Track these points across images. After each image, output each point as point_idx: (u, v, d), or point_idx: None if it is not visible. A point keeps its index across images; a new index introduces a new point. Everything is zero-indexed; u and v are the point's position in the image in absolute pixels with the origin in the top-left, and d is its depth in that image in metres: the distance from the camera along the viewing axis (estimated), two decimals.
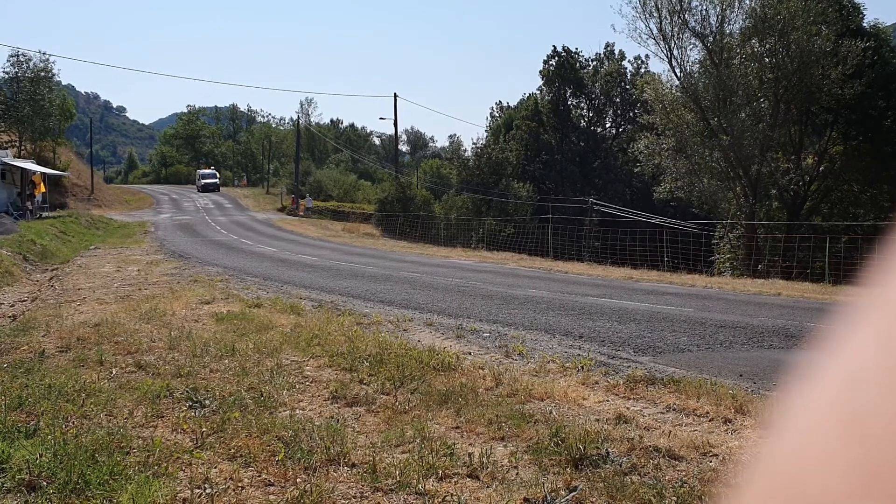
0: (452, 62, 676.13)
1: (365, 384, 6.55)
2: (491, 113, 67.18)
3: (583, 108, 57.72)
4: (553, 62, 55.89)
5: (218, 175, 79.17)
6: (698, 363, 7.84)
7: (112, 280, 15.05)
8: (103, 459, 4.49)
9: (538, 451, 4.81)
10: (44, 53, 51.40)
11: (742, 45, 30.05)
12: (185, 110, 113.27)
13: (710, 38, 30.18)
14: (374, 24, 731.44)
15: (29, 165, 35.63)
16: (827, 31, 28.14)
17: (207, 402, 5.89)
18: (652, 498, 4.08)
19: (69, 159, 56.50)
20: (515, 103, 63.67)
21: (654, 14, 30.83)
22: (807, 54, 28.01)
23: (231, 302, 11.70)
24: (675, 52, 31.11)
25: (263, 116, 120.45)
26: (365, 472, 4.43)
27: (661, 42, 31.18)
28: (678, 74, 31.58)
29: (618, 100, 56.81)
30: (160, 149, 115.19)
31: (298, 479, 4.35)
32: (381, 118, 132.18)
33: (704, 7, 30.17)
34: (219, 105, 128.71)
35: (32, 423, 5.26)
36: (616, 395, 6.40)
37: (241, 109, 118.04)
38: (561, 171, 52.13)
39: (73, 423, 5.31)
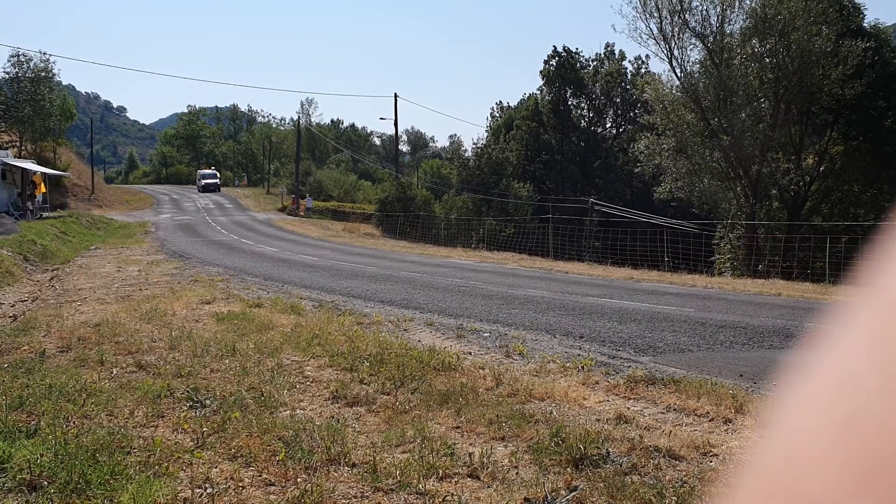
0: (453, 62, 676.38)
1: (365, 384, 6.56)
2: (491, 113, 67.22)
3: (583, 108, 57.72)
4: (553, 62, 55.88)
5: (218, 175, 79.16)
6: (699, 363, 7.84)
7: (113, 280, 15.06)
8: (104, 459, 4.50)
9: (539, 451, 4.81)
10: (44, 53, 51.46)
11: (742, 45, 30.03)
12: (186, 110, 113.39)
13: (711, 39, 30.17)
14: (374, 25, 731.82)
15: (29, 165, 35.64)
16: (827, 32, 28.13)
17: (208, 401, 5.90)
18: (652, 498, 4.08)
19: (69, 159, 56.51)
20: (516, 103, 63.72)
21: (655, 14, 30.84)
22: (807, 54, 28.01)
23: (232, 302, 11.70)
24: (676, 52, 31.12)
25: (264, 117, 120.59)
26: (365, 472, 4.44)
27: (662, 42, 31.19)
28: (678, 74, 31.60)
29: (618, 100, 56.79)
30: (161, 149, 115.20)
31: (299, 479, 4.35)
32: (381, 118, 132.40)
33: (705, 7, 30.19)
34: (219, 105, 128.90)
35: (33, 422, 5.26)
36: (616, 395, 6.40)
37: (242, 110, 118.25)
38: (561, 171, 52.12)
39: (74, 422, 5.31)
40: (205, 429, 5.15)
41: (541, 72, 56.27)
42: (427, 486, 4.24)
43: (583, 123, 57.24)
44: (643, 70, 54.44)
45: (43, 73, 47.25)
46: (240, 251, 24.24)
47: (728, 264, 29.45)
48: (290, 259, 21.47)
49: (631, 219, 31.82)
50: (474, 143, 55.88)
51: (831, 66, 28.03)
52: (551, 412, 5.77)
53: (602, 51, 58.38)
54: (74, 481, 4.15)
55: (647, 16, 31.02)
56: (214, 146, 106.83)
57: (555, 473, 4.50)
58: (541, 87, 57.05)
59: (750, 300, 13.75)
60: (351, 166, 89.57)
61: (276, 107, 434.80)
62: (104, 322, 9.47)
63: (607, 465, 4.59)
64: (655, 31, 31.08)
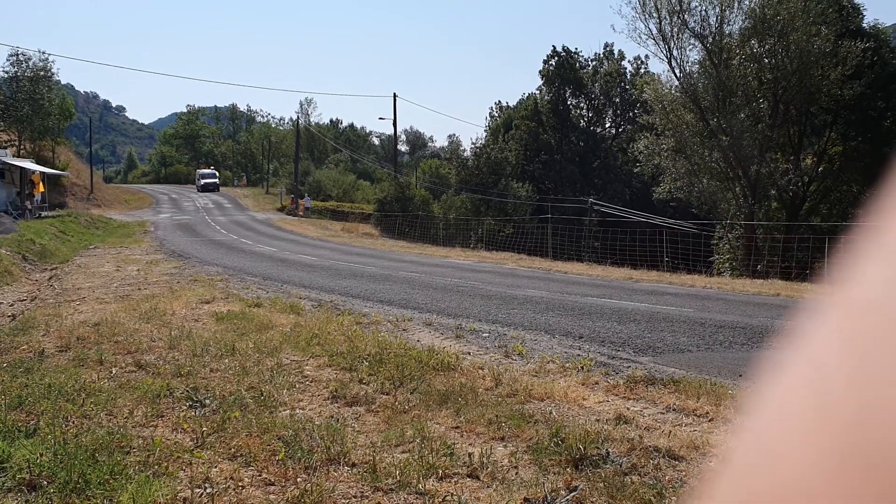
0: (452, 62, 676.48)
1: (365, 384, 6.55)
2: (490, 113, 67.21)
3: (582, 108, 57.76)
4: (553, 62, 55.91)
5: (217, 175, 79.15)
6: (698, 363, 7.85)
7: (112, 279, 15.05)
8: (103, 459, 4.50)
9: (538, 452, 4.81)
10: (43, 53, 51.43)
11: (741, 45, 30.05)
12: (185, 110, 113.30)
13: (710, 39, 30.20)
14: (373, 25, 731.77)
15: (28, 165, 35.62)
16: (826, 32, 28.16)
17: (207, 401, 5.89)
18: (652, 498, 4.08)
19: (68, 159, 56.49)
20: (515, 103, 63.74)
21: (654, 14, 30.85)
22: (806, 55, 28.03)
23: (231, 301, 11.70)
24: (675, 52, 31.15)
25: (263, 116, 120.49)
26: (365, 472, 4.44)
27: (661, 42, 31.22)
28: (678, 75, 31.62)
29: (617, 100, 56.84)
30: (160, 148, 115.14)
31: (299, 479, 4.35)
32: (380, 118, 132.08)
33: (704, 8, 30.21)
34: (218, 105, 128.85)
35: (32, 422, 5.26)
36: (616, 395, 6.40)
37: (241, 109, 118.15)
38: (560, 171, 52.14)
39: (73, 422, 5.31)
40: (204, 428, 5.14)
41: (540, 72, 56.32)
42: (427, 486, 4.24)
43: (582, 123, 57.28)
44: (642, 70, 54.49)
45: (42, 73, 47.22)
46: (239, 251, 24.23)
47: (727, 264, 29.47)
48: (289, 259, 21.47)
49: (630, 219, 31.83)
50: (473, 143, 56.00)
51: (830, 66, 28.06)
52: (551, 412, 5.77)
53: (601, 51, 58.51)
54: (74, 481, 4.15)
55: (647, 16, 31.07)
56: (214, 146, 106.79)
57: (554, 473, 4.50)
58: (540, 86, 57.11)
59: (749, 300, 13.76)
60: (350, 166, 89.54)
61: (276, 107, 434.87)
62: (103, 321, 9.46)
63: (607, 466, 4.59)
64: (655, 31, 31.13)
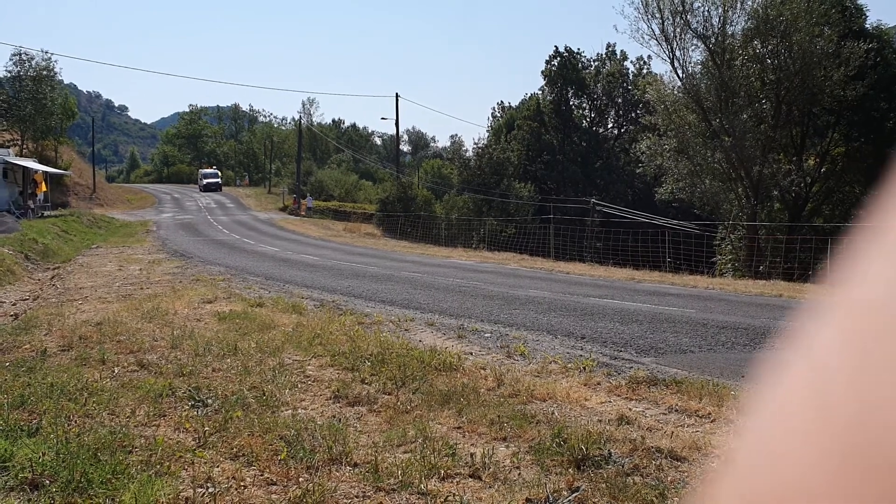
0: (454, 62, 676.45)
1: (367, 384, 6.55)
2: (492, 113, 67.25)
3: (585, 109, 57.77)
4: (555, 62, 55.93)
5: (220, 174, 79.20)
6: (700, 364, 7.84)
7: (114, 279, 15.06)
8: (106, 458, 4.50)
9: (540, 452, 4.81)
10: (46, 52, 51.16)
11: (744, 46, 30.04)
12: (188, 110, 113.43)
13: (712, 40, 30.18)
14: (375, 25, 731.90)
15: (31, 164, 35.67)
16: (829, 33, 28.13)
17: (210, 401, 5.90)
18: (654, 499, 4.08)
19: (71, 158, 56.52)
20: (517, 103, 63.75)
21: (657, 15, 30.85)
22: (809, 56, 28.01)
23: (233, 301, 11.70)
24: (678, 53, 31.13)
25: (265, 116, 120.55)
26: (367, 472, 4.44)
27: (664, 43, 31.21)
28: (680, 75, 31.62)
29: (620, 100, 56.84)
30: (162, 148, 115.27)
31: (301, 479, 4.35)
32: (382, 118, 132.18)
33: (707, 8, 30.21)
34: (221, 105, 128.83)
35: (35, 421, 5.26)
36: (618, 395, 6.40)
37: (244, 109, 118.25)
38: (563, 172, 52.14)
39: (76, 421, 5.31)
40: (206, 428, 5.14)
41: (542, 72, 56.34)
42: (429, 487, 4.24)
43: (584, 124, 57.29)
44: (645, 71, 54.46)
45: (45, 72, 47.29)
46: (241, 250, 24.25)
47: (729, 265, 29.46)
48: (292, 259, 21.48)
49: (632, 219, 31.81)
50: (475, 144, 56.01)
51: (833, 67, 28.03)
52: (553, 413, 5.77)
53: (604, 51, 58.55)
54: (76, 480, 4.15)
55: (649, 17, 31.07)
56: (216, 146, 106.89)
57: (556, 474, 4.50)
58: (542, 87, 57.13)
59: (751, 301, 13.74)
60: (352, 166, 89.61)
61: (278, 106, 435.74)
62: (105, 321, 9.47)
63: (609, 466, 4.59)
64: (657, 31, 31.12)
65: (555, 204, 40.63)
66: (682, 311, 11.80)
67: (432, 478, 4.38)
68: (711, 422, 5.64)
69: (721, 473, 0.33)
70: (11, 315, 11.10)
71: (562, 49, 56.32)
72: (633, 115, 54.26)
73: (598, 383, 6.81)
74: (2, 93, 48.18)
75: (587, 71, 56.83)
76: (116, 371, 6.93)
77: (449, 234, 40.06)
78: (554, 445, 4.87)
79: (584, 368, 7.33)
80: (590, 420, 5.59)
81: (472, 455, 4.71)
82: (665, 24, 30.75)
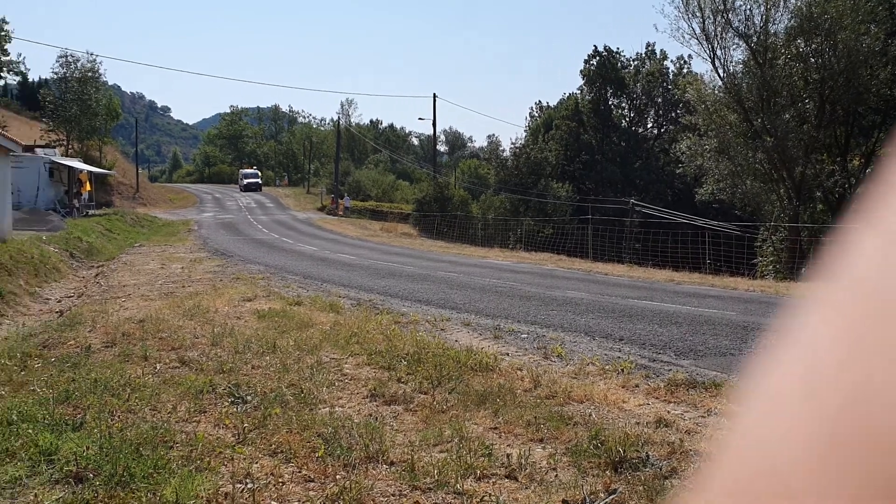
0: (492, 62, 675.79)
1: (403, 383, 6.58)
2: (530, 113, 66.95)
3: (624, 108, 57.26)
4: (594, 62, 55.54)
5: (260, 175, 79.98)
6: (740, 367, 7.72)
7: (156, 277, 15.31)
8: (147, 453, 4.58)
9: (577, 454, 4.78)
10: (91, 54, 52.42)
11: (787, 45, 29.51)
12: (228, 111, 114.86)
13: (754, 38, 29.71)
14: (414, 26, 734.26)
15: (76, 164, 36.39)
16: (876, 31, 27.50)
17: (249, 397, 5.97)
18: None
19: (115, 158, 57.64)
20: (555, 103, 63.41)
21: (697, 14, 30.46)
22: (854, 54, 27.41)
23: (272, 299, 11.82)
24: (718, 52, 30.69)
25: (305, 117, 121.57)
26: (403, 471, 4.45)
27: (704, 42, 30.79)
28: (721, 75, 31.16)
29: (659, 100, 56.23)
30: (204, 148, 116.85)
31: (338, 476, 4.38)
32: (419, 118, 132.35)
33: (748, 7, 29.73)
34: (261, 105, 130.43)
35: (79, 416, 5.38)
36: (656, 398, 6.33)
37: (283, 110, 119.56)
38: (601, 172, 51.75)
39: (119, 417, 5.42)
40: (246, 424, 5.21)
41: (581, 71, 55.97)
42: (465, 486, 4.24)
43: (623, 123, 56.79)
44: (685, 70, 53.78)
45: (90, 74, 48.29)
46: (280, 250, 24.48)
47: (771, 267, 28.97)
48: (329, 258, 21.63)
49: (672, 220, 31.46)
50: (513, 143, 55.89)
51: (880, 65, 27.42)
52: (590, 414, 5.74)
53: (643, 50, 57.87)
54: (119, 474, 4.23)
55: (690, 15, 30.68)
56: (256, 146, 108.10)
57: (593, 476, 4.47)
58: (581, 86, 56.73)
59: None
60: (389, 166, 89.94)
61: (317, 107, 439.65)
62: (148, 318, 9.63)
63: (647, 469, 4.55)
64: (698, 30, 30.71)
65: (593, 204, 40.35)
66: (722, 313, 11.63)
67: (468, 478, 4.38)
68: None
69: (712, 464, 0.33)
70: (57, 312, 11.35)
71: (601, 48, 55.93)
72: (672, 114, 53.63)
73: (637, 385, 6.75)
74: (48, 94, 49.35)
75: (626, 70, 56.32)
76: (158, 367, 7.05)
77: (485, 235, 39.98)
78: (591, 447, 4.84)
79: (622, 370, 7.27)
80: (627, 422, 5.55)
81: (508, 456, 4.70)
82: (706, 22, 30.36)
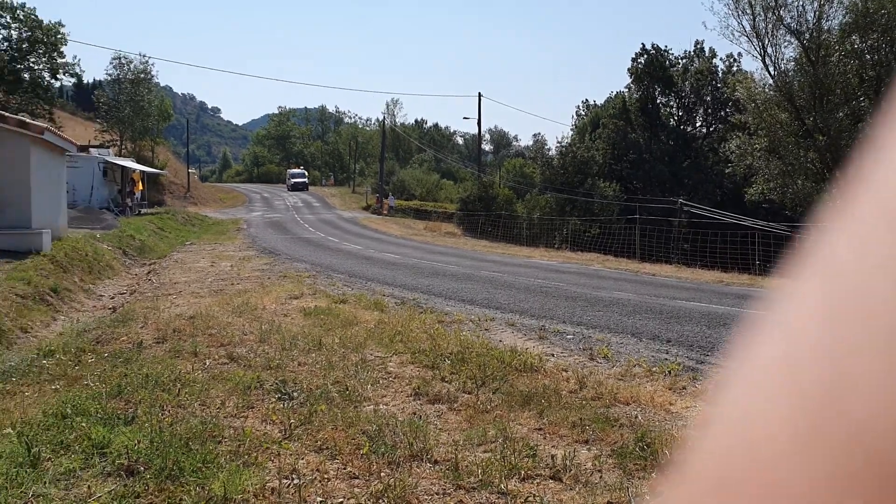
0: (537, 61, 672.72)
1: (447, 382, 6.59)
2: (577, 111, 66.43)
3: (672, 107, 56.42)
4: (642, 60, 54.86)
5: (307, 174, 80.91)
6: None
7: (206, 275, 15.57)
8: (196, 447, 4.66)
9: (623, 456, 4.74)
10: (144, 56, 53.43)
11: (841, 41, 28.82)
12: (277, 111, 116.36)
13: (807, 36, 29.09)
14: (459, 25, 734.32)
15: (129, 164, 37.17)
16: None
17: (295, 394, 6.03)
18: None
19: (166, 158, 58.80)
20: (602, 101, 62.85)
21: (748, 11, 29.95)
22: None
23: (318, 297, 11.93)
24: (769, 49, 30.13)
25: (351, 117, 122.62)
26: (447, 470, 4.46)
27: (755, 39, 30.27)
28: (772, 73, 30.59)
29: (708, 98, 55.29)
30: (252, 149, 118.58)
31: (382, 474, 4.40)
32: (464, 118, 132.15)
33: (801, 3, 29.13)
34: (308, 106, 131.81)
35: (131, 410, 5.49)
36: (704, 400, 6.24)
37: (330, 111, 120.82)
38: (649, 171, 51.10)
39: (169, 411, 5.52)
40: (292, 420, 5.27)
41: (629, 69, 55.31)
42: (509, 486, 4.23)
43: (672, 122, 55.98)
44: (734, 68, 52.80)
45: (142, 75, 49.38)
46: (326, 248, 24.70)
47: None
48: (374, 257, 21.75)
49: (721, 220, 30.95)
50: (558, 142, 55.59)
51: None
52: (636, 416, 5.68)
53: (692, 48, 56.97)
54: (169, 468, 4.31)
55: (740, 13, 30.19)
56: (303, 146, 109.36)
57: (639, 478, 4.42)
58: (628, 84, 56.02)
59: None
60: (433, 166, 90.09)
61: (363, 107, 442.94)
62: (198, 315, 9.79)
63: None
64: (748, 28, 30.20)
65: (641, 204, 39.87)
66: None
67: (512, 478, 4.37)
68: None
69: (693, 453, 0.33)
70: (110, 308, 11.62)
71: (649, 46, 55.25)
72: (722, 113, 52.74)
73: (684, 388, 6.66)
74: (102, 95, 50.60)
75: (675, 69, 55.50)
76: (208, 363, 7.17)
77: (530, 234, 39.79)
78: (637, 449, 4.79)
79: (670, 372, 7.18)
80: (674, 424, 5.48)
81: (553, 456, 4.68)
82: (756, 20, 29.83)
